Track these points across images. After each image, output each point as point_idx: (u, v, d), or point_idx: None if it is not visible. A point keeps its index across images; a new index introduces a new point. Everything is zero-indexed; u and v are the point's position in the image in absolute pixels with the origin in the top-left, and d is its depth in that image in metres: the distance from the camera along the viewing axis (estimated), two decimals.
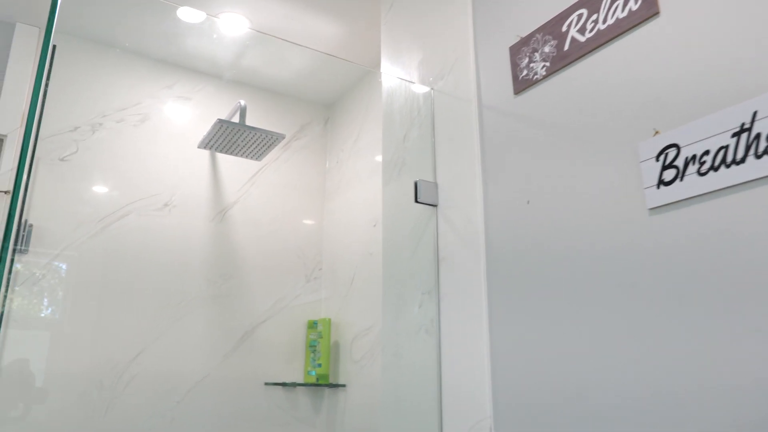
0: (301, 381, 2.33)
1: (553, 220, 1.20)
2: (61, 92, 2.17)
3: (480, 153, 1.42)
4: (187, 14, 2.12)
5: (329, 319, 2.29)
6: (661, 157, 1.00)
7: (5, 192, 1.98)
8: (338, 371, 2.27)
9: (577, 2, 1.22)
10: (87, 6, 2.10)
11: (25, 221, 1.98)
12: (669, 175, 0.98)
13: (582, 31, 1.20)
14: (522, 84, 1.32)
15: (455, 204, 1.47)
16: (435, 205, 1.53)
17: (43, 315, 1.95)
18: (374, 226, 2.21)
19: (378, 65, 2.40)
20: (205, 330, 2.20)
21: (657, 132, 1.02)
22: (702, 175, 0.93)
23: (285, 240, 2.46)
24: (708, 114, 0.95)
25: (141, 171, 2.24)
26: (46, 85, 2.13)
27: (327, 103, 2.70)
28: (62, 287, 2.00)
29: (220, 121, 1.97)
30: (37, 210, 2.03)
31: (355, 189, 2.38)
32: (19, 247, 1.95)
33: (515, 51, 1.36)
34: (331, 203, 2.55)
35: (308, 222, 2.55)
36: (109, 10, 2.13)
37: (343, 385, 2.21)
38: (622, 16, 1.12)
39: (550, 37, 1.27)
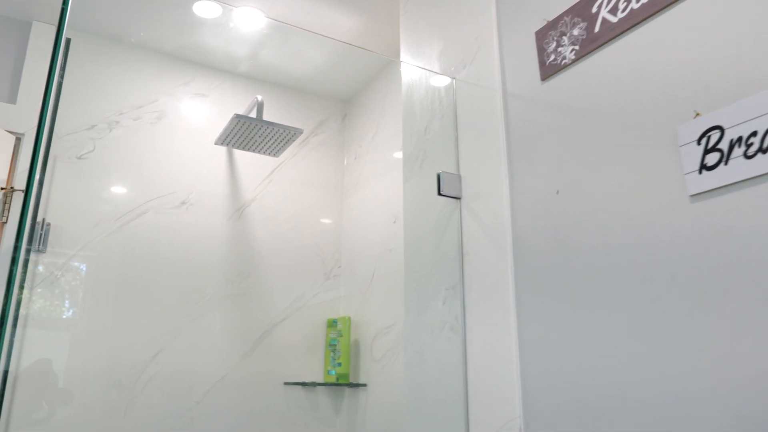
0: (320, 380, 2.29)
1: (584, 211, 1.15)
2: (77, 90, 2.16)
3: (505, 143, 1.37)
4: (203, 9, 2.09)
5: (349, 318, 2.25)
6: (703, 141, 0.94)
7: (21, 190, 1.97)
8: (359, 370, 2.23)
9: None
10: (102, 2, 2.08)
11: (43, 220, 1.97)
12: (712, 159, 0.92)
13: (614, 11, 1.14)
14: (549, 70, 1.27)
15: (480, 196, 1.42)
16: (458, 198, 1.48)
17: (60, 314, 1.94)
18: (394, 222, 2.16)
19: (397, 58, 2.36)
20: (223, 329, 2.18)
21: (698, 114, 0.96)
22: (749, 158, 0.87)
23: (303, 237, 2.43)
24: (755, 92, 0.89)
25: (158, 169, 2.21)
26: (60, 82, 2.11)
27: (344, 98, 2.66)
28: (80, 286, 1.99)
29: (237, 116, 1.93)
30: (54, 209, 2.01)
31: (373, 185, 2.33)
32: (36, 246, 1.93)
33: (542, 35, 1.31)
34: (349, 199, 2.51)
35: (326, 219, 2.51)
36: (125, 7, 2.11)
37: (364, 385, 2.17)
38: None
39: (579, 19, 1.21)
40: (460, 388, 1.37)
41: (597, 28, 1.17)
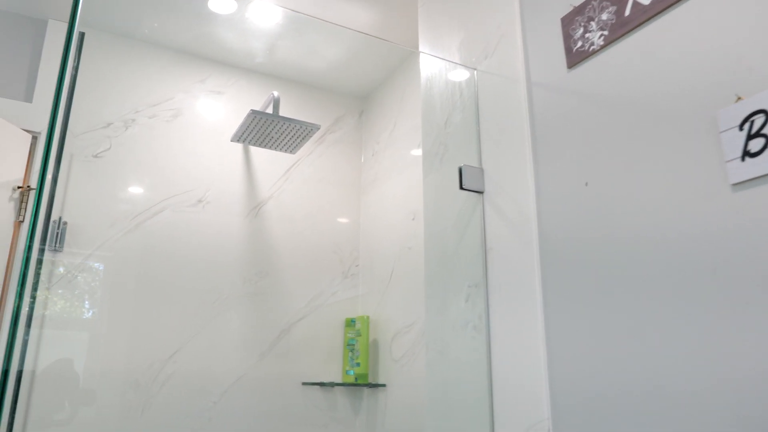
0: (339, 381, 2.26)
1: (615, 203, 1.09)
2: (93, 89, 2.14)
3: (530, 134, 1.32)
4: (218, 4, 2.07)
5: (367, 317, 2.21)
6: (746, 126, 0.88)
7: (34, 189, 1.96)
8: (378, 370, 2.19)
9: None
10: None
11: (59, 219, 1.96)
12: (756, 145, 0.87)
13: None
14: (576, 57, 1.22)
15: (503, 190, 1.37)
16: (481, 192, 1.44)
17: (77, 314, 1.92)
18: (413, 219, 2.12)
19: (416, 50, 2.31)
20: (241, 329, 2.15)
21: (740, 98, 0.91)
22: None
23: (320, 236, 2.40)
24: None
25: (174, 167, 2.20)
26: (74, 78, 2.10)
27: (361, 94, 2.62)
28: (97, 285, 1.97)
29: (254, 111, 1.90)
30: (71, 208, 2.00)
31: (391, 181, 2.29)
32: (53, 245, 1.92)
33: (568, 21, 1.26)
34: (366, 197, 2.47)
35: (344, 216, 2.47)
36: (140, 3, 2.09)
37: (383, 385, 2.13)
38: None
39: (608, 3, 1.16)
40: (485, 389, 1.32)
41: (627, 12, 1.12)
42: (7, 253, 1.91)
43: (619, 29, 1.13)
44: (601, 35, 1.16)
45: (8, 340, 0.93)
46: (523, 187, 1.31)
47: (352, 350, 2.22)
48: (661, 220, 1.01)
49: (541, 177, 1.28)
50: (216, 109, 2.32)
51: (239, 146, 2.32)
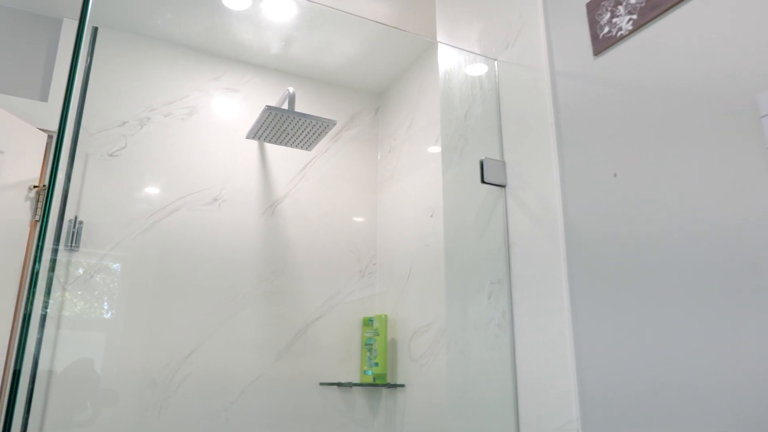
0: (357, 381, 2.22)
1: (646, 193, 1.05)
2: (108, 87, 2.13)
3: (554, 124, 1.28)
4: (232, 0, 2.04)
5: (385, 316, 2.18)
6: None
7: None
8: (396, 370, 2.15)
9: None
10: None
11: (75, 218, 1.94)
12: None
13: None
14: (603, 43, 1.17)
15: (526, 183, 1.33)
16: (503, 186, 1.39)
17: (93, 313, 1.91)
18: (431, 216, 2.08)
19: (434, 45, 2.27)
20: (258, 328, 2.12)
21: None
22: None
23: (337, 234, 2.36)
24: None
25: (190, 165, 2.18)
26: (86, 77, 2.09)
27: (377, 91, 2.59)
28: (113, 285, 1.96)
29: (269, 107, 1.88)
30: (87, 207, 1.99)
31: (408, 178, 2.25)
32: (69, 245, 1.91)
33: (594, 6, 1.21)
34: (383, 194, 2.43)
35: (361, 214, 2.44)
36: (153, 1, 2.07)
37: (402, 385, 2.09)
38: None
39: None
40: (509, 388, 1.28)
41: None
42: (24, 253, 1.90)
43: (649, 12, 1.08)
44: (630, 19, 1.11)
45: (19, 340, 0.91)
46: (548, 180, 1.26)
47: (370, 350, 2.19)
48: (696, 211, 0.96)
49: (567, 169, 1.23)
50: (231, 107, 2.30)
51: (254, 144, 2.29)
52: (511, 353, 1.29)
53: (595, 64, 1.19)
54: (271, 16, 2.14)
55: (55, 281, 1.89)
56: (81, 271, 1.92)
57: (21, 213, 1.91)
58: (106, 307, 1.92)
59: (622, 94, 1.12)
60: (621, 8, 1.14)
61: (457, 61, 1.65)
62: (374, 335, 2.18)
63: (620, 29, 1.13)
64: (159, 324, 1.97)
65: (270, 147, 2.33)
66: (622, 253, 1.08)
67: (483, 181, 1.37)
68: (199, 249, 2.11)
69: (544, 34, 1.35)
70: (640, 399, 1.01)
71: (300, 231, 2.31)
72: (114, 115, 2.12)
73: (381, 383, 2.10)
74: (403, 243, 2.23)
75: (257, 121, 1.97)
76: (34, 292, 0.93)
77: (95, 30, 2.12)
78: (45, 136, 2.02)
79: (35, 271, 0.99)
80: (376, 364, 2.13)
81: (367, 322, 2.24)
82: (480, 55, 1.55)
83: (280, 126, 1.99)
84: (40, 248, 1.02)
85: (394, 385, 2.10)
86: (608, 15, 1.17)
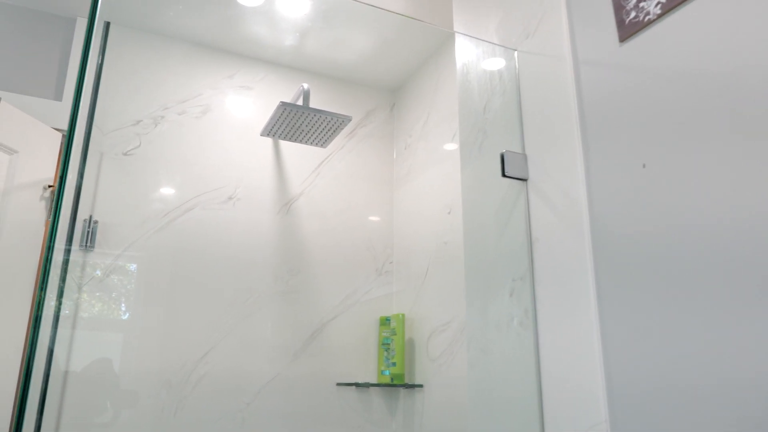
0: (374, 381, 2.19)
1: (677, 185, 1.00)
2: (121, 86, 2.12)
3: (578, 115, 1.23)
4: None
5: (403, 315, 2.14)
6: None
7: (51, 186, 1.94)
8: (414, 370, 2.12)
9: None
10: None
11: (90, 217, 1.93)
12: None
13: None
14: (630, 29, 1.12)
15: (549, 176, 1.28)
16: (525, 180, 1.35)
17: (108, 313, 1.89)
18: (449, 213, 2.04)
19: (451, 38, 2.23)
20: (274, 328, 2.10)
21: None
22: None
23: (353, 232, 2.33)
24: None
25: (204, 164, 2.16)
26: (98, 75, 2.08)
27: (392, 87, 2.55)
28: (129, 284, 1.94)
29: (284, 104, 1.85)
30: (101, 206, 1.98)
31: (425, 175, 2.21)
32: (84, 244, 1.90)
33: None
34: (399, 192, 2.40)
35: (377, 212, 2.41)
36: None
37: (420, 386, 2.05)
38: None
39: None
40: (533, 389, 1.24)
41: None
42: (39, 253, 1.89)
43: None
44: (658, 3, 1.07)
45: (30, 341, 0.88)
46: (572, 172, 1.22)
47: (387, 349, 2.15)
48: (729, 203, 0.91)
49: (592, 160, 1.18)
50: (245, 104, 2.28)
51: (269, 143, 2.27)
52: (534, 352, 1.25)
53: (621, 51, 1.15)
54: (285, 12, 2.12)
55: (70, 282, 1.88)
56: (99, 272, 1.91)
57: (36, 213, 1.91)
58: (123, 309, 1.91)
59: (649, 81, 1.08)
60: None
61: (475, 52, 1.61)
62: (391, 335, 2.14)
63: (648, 14, 1.09)
64: (174, 324, 1.96)
65: (285, 145, 2.31)
66: (652, 248, 1.03)
67: (504, 175, 1.33)
68: (213, 248, 2.09)
69: (566, 22, 1.30)
70: (672, 400, 0.96)
71: (315, 229, 2.28)
72: (128, 114, 2.11)
73: (399, 383, 2.07)
74: (420, 241, 2.19)
75: (272, 118, 1.94)
76: (45, 293, 0.91)
77: (107, 26, 2.11)
78: (60, 135, 2.01)
79: (46, 270, 0.97)
80: (394, 364, 2.09)
81: (384, 321, 2.21)
82: (499, 45, 1.51)
83: (294, 122, 1.96)
84: (50, 248, 1.00)
85: (412, 386, 2.06)
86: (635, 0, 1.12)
